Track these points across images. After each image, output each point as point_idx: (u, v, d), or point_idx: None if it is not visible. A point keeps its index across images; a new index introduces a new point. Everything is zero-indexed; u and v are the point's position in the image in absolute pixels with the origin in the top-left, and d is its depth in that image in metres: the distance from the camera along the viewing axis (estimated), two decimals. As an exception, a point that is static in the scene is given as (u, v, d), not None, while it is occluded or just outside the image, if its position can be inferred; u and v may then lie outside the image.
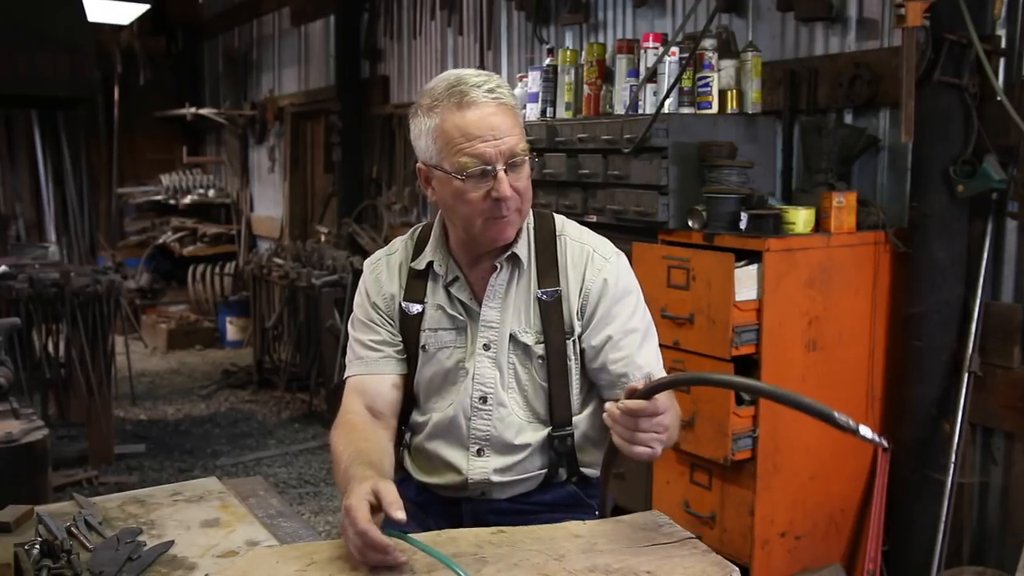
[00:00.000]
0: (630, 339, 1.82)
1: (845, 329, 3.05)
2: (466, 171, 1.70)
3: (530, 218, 1.88)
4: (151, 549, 1.60)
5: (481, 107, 1.69)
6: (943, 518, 2.93)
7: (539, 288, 1.84)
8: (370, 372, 1.88)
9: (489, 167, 1.69)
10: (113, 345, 4.89)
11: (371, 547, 1.42)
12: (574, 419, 1.87)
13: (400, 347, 1.89)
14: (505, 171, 1.70)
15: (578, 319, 1.84)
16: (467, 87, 1.70)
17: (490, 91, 1.70)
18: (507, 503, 1.88)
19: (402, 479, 1.99)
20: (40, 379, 4.65)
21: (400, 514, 1.44)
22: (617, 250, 1.91)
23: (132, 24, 8.88)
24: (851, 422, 1.38)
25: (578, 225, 1.94)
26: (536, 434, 1.85)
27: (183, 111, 9.03)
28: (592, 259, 1.85)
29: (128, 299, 6.01)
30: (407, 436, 1.96)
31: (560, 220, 1.92)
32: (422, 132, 1.75)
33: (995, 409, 2.96)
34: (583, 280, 1.84)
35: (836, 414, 1.42)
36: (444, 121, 1.71)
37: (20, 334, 4.34)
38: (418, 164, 1.81)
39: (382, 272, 1.92)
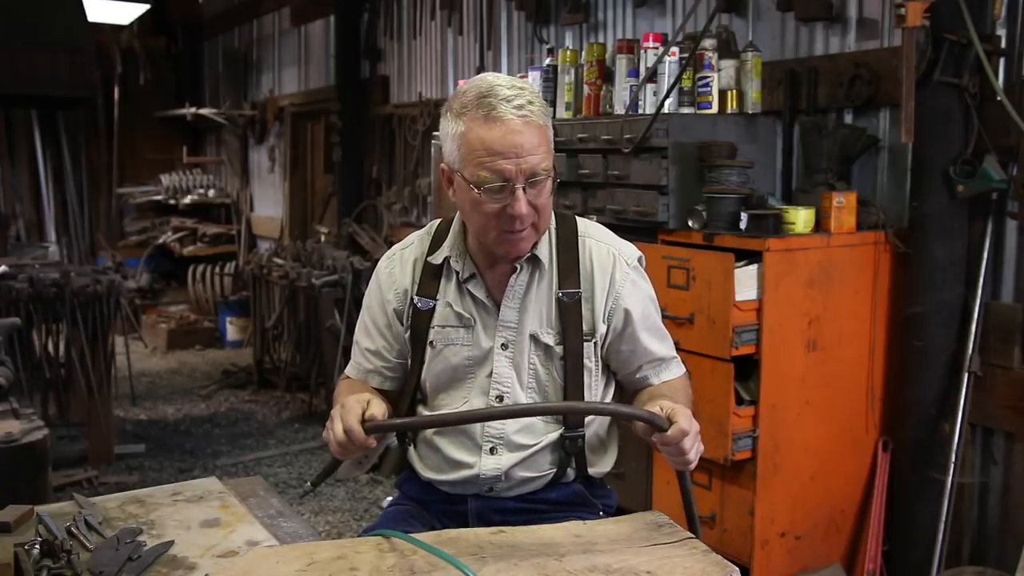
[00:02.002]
0: (652, 336, 1.91)
1: (845, 329, 3.05)
2: (484, 185, 1.70)
3: (552, 219, 1.89)
4: (151, 549, 1.60)
5: (507, 123, 1.67)
6: (943, 518, 2.93)
7: (560, 289, 1.85)
8: (359, 378, 1.97)
9: (507, 183, 1.69)
10: (113, 345, 4.89)
11: (354, 443, 1.64)
12: (586, 420, 1.87)
13: (390, 363, 1.94)
14: (524, 188, 1.70)
15: (603, 322, 1.85)
16: (496, 100, 1.68)
17: (519, 107, 1.68)
18: (512, 501, 1.88)
19: (406, 477, 2.00)
20: (40, 379, 4.64)
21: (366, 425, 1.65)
22: (639, 251, 1.93)
23: (132, 24, 8.87)
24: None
25: (600, 226, 1.95)
26: (549, 434, 1.86)
27: (183, 111, 9.03)
28: (618, 264, 1.87)
29: (128, 299, 6.00)
30: (409, 432, 1.96)
31: (583, 222, 1.93)
32: (448, 135, 1.75)
33: (995, 409, 2.96)
34: (611, 284, 1.86)
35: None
36: (469, 131, 1.70)
37: (20, 334, 4.34)
38: (442, 164, 1.81)
39: (396, 267, 1.94)
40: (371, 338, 1.94)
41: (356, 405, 1.66)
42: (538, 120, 1.71)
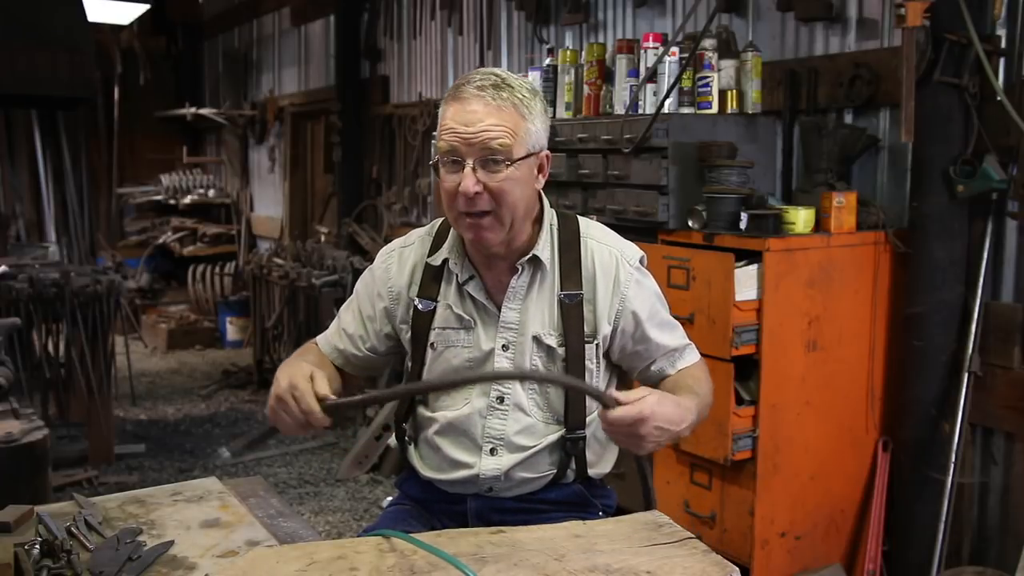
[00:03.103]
0: (662, 331, 1.92)
1: (845, 329, 3.05)
2: (440, 156, 1.73)
3: (553, 219, 1.89)
4: (151, 549, 1.60)
5: (468, 101, 1.71)
6: (943, 518, 2.93)
7: (561, 290, 1.84)
8: (324, 350, 1.99)
9: (458, 159, 1.70)
10: (113, 345, 4.89)
11: (312, 422, 1.64)
12: (587, 421, 1.87)
13: (360, 353, 1.96)
14: (475, 167, 1.69)
15: (607, 324, 1.85)
16: (467, 82, 1.73)
17: (480, 88, 1.71)
18: (512, 501, 1.88)
19: (406, 477, 2.00)
20: (40, 379, 4.64)
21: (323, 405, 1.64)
22: (641, 251, 1.93)
23: (132, 24, 8.87)
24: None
25: (602, 226, 1.95)
26: (549, 435, 1.86)
27: (183, 111, 9.03)
28: (621, 265, 1.86)
29: (128, 299, 6.00)
30: (409, 432, 1.96)
31: (584, 222, 1.93)
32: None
33: (995, 409, 2.96)
34: (615, 287, 1.85)
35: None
36: (444, 110, 1.75)
37: (20, 334, 4.34)
38: None
39: (393, 264, 1.94)
40: (353, 321, 1.97)
41: (306, 383, 1.64)
42: (498, 103, 1.70)
